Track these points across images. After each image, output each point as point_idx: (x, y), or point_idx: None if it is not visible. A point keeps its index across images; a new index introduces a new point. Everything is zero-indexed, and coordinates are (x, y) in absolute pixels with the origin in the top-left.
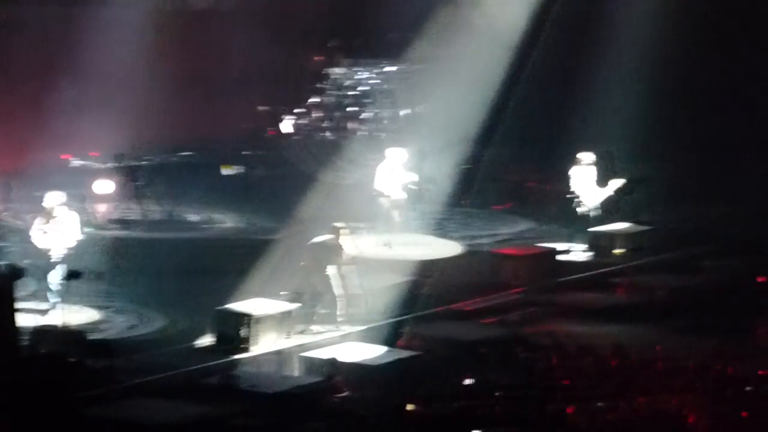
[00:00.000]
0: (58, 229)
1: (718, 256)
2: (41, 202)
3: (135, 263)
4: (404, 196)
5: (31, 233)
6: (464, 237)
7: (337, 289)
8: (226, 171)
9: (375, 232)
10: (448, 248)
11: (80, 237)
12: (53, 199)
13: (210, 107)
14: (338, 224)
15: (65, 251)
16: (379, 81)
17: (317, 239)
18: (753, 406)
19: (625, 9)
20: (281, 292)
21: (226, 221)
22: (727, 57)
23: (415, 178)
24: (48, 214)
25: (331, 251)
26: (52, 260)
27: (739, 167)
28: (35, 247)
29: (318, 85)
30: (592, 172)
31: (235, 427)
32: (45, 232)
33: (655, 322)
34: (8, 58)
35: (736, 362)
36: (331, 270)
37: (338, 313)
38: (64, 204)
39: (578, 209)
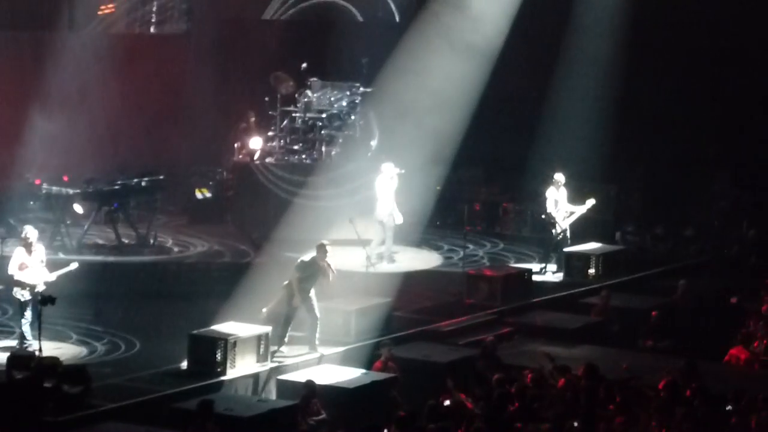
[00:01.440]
0: (37, 262)
1: (689, 275)
2: (19, 234)
3: (109, 288)
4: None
5: (11, 268)
6: (439, 257)
7: (318, 311)
8: (199, 195)
9: (370, 246)
10: (425, 264)
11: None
12: (34, 232)
13: (181, 131)
14: (325, 242)
15: (43, 285)
16: (349, 103)
17: (305, 257)
18: (723, 424)
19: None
20: (263, 309)
21: (200, 244)
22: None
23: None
24: (28, 247)
25: (319, 270)
26: (34, 292)
27: (705, 184)
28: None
29: (287, 108)
30: (564, 192)
31: None
32: (26, 266)
33: (628, 343)
34: None
35: (706, 381)
36: (312, 291)
37: (317, 335)
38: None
39: (553, 230)
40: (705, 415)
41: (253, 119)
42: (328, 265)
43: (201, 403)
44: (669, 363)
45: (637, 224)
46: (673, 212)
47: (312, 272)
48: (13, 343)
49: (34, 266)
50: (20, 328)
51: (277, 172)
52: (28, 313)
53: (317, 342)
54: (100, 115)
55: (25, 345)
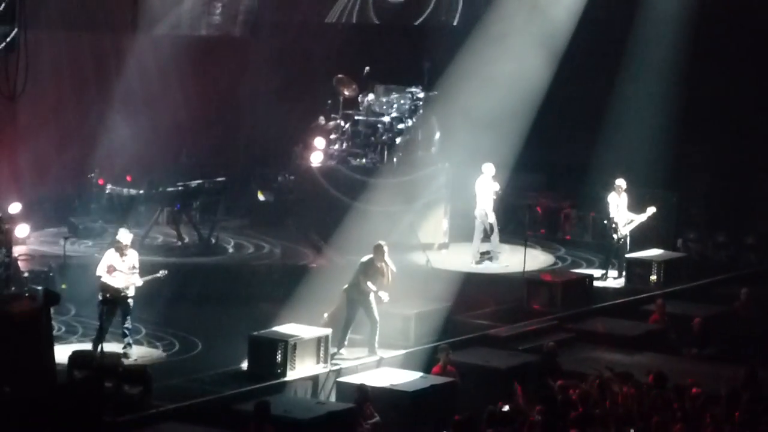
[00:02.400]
0: (127, 267)
1: (751, 283)
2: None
3: (170, 289)
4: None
5: (100, 269)
6: (499, 262)
7: (377, 314)
8: (262, 196)
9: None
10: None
11: (140, 282)
12: (127, 236)
13: (243, 134)
14: (381, 242)
15: (132, 290)
16: (411, 107)
17: (364, 258)
18: None
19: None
20: (324, 314)
21: (262, 246)
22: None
23: (497, 187)
24: (120, 251)
25: (377, 271)
26: (120, 296)
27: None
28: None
29: (349, 112)
30: (625, 198)
31: None
32: (114, 269)
33: (690, 351)
34: (33, 79)
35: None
36: (373, 294)
37: (376, 338)
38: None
39: (615, 235)
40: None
41: (323, 122)
42: (386, 264)
43: (258, 405)
44: (729, 371)
45: (698, 232)
46: (735, 220)
47: (370, 273)
48: (81, 345)
49: (124, 271)
50: (122, 329)
51: (338, 176)
52: (109, 319)
53: (376, 345)
54: (164, 117)
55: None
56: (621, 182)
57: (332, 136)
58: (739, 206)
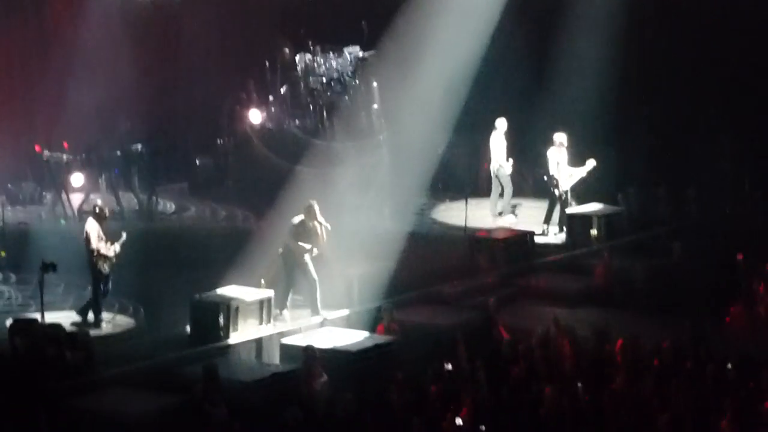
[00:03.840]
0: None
1: (691, 236)
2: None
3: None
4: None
5: (95, 242)
6: (440, 220)
7: (314, 273)
8: (200, 159)
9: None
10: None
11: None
12: (106, 207)
13: (182, 98)
14: (312, 201)
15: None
16: (350, 68)
17: (294, 219)
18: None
19: None
20: (261, 280)
21: (202, 211)
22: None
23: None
24: (101, 221)
25: (310, 231)
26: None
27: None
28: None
29: (287, 74)
30: (565, 153)
31: (213, 414)
32: (102, 239)
33: (632, 305)
34: None
35: (711, 344)
36: (308, 254)
37: (318, 298)
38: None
39: (555, 191)
40: (706, 378)
41: (251, 84)
42: (319, 223)
43: (205, 367)
44: (674, 325)
45: (638, 186)
46: (675, 174)
47: (303, 233)
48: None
49: (104, 239)
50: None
51: (276, 139)
52: (105, 288)
53: (319, 305)
54: (102, 83)
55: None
56: (560, 137)
57: (270, 98)
58: (679, 160)
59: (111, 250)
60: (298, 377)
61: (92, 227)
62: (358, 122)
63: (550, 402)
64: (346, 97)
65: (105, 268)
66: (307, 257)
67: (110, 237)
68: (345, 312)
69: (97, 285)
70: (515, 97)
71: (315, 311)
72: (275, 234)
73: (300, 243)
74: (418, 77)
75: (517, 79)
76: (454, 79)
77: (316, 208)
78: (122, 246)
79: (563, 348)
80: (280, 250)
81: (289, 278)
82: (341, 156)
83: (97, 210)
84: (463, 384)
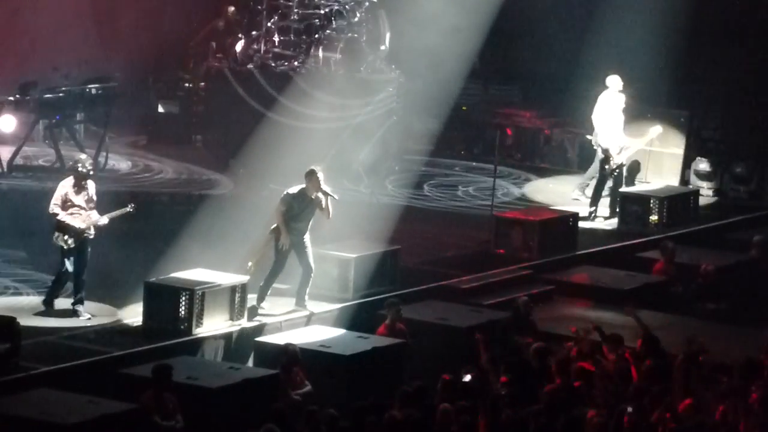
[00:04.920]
0: (85, 200)
1: None
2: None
3: (46, 223)
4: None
5: (53, 206)
6: (462, 195)
7: (312, 260)
8: (163, 107)
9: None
10: None
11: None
12: (90, 162)
13: (141, 27)
14: (315, 167)
15: (92, 231)
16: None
17: (292, 190)
18: None
19: None
20: (249, 263)
21: (164, 170)
22: None
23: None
24: (79, 181)
25: (312, 204)
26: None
27: None
28: None
29: (276, 2)
30: (621, 102)
31: (169, 430)
32: (72, 204)
33: (697, 310)
34: None
35: None
36: (307, 235)
37: (307, 289)
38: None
39: (606, 165)
40: None
41: (232, 13)
42: (325, 194)
43: (156, 369)
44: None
45: (713, 161)
46: (758, 147)
47: (303, 208)
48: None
49: (82, 205)
50: (70, 281)
51: (260, 83)
52: (70, 267)
53: (306, 297)
54: (43, 5)
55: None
56: (614, 80)
57: (254, 33)
58: (765, 131)
59: (81, 219)
60: (275, 384)
61: (62, 186)
62: (362, 62)
63: (591, 429)
64: (350, 35)
65: (66, 241)
66: (307, 238)
67: (105, 205)
68: (338, 306)
69: (61, 261)
70: (549, 43)
71: (301, 304)
72: (254, 204)
73: (298, 219)
74: (435, 13)
75: (559, 20)
76: (479, 14)
77: (320, 175)
78: (117, 219)
79: (609, 361)
80: (273, 226)
81: (278, 263)
82: (340, 108)
83: (78, 165)
84: (482, 401)
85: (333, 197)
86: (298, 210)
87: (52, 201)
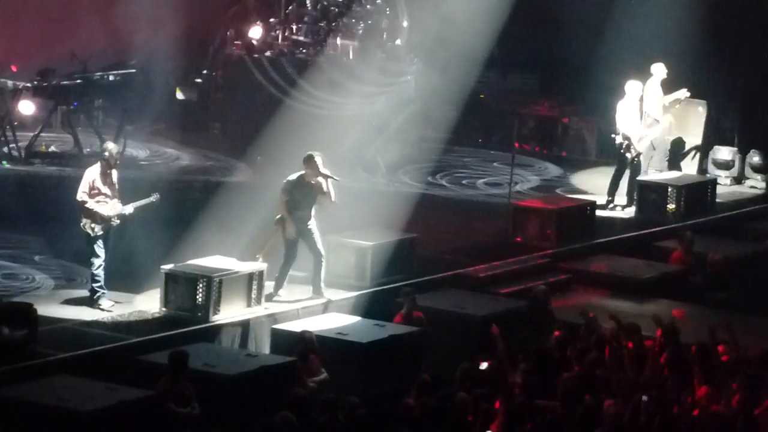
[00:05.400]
0: (110, 189)
1: None
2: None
3: (65, 209)
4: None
5: (81, 193)
6: (480, 184)
7: (321, 246)
8: (182, 94)
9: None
10: None
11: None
12: (117, 150)
13: (159, 15)
14: (313, 152)
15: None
16: None
17: (291, 176)
18: None
19: None
20: (257, 255)
21: (181, 157)
22: None
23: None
24: (106, 168)
25: (314, 189)
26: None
27: None
28: None
29: None
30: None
31: (182, 415)
32: (98, 192)
33: (714, 301)
34: None
35: None
36: (313, 222)
37: (322, 276)
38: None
39: (627, 153)
40: None
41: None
42: (326, 178)
43: (173, 356)
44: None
45: (731, 150)
46: None
47: (304, 194)
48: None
49: (109, 194)
50: (90, 269)
51: (279, 70)
52: (101, 252)
53: (322, 284)
54: None
55: (98, 293)
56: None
57: (272, 20)
58: None
59: (109, 207)
60: (291, 372)
61: (89, 173)
62: (380, 50)
63: (610, 419)
64: (369, 22)
65: (93, 228)
66: (312, 224)
67: (125, 193)
68: (355, 294)
69: (91, 249)
70: (567, 32)
71: (318, 291)
72: (276, 192)
73: (300, 206)
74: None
75: (580, 7)
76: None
77: (319, 159)
78: (143, 209)
79: (627, 351)
80: (278, 216)
81: (289, 252)
82: (358, 95)
83: (106, 154)
84: (501, 390)
85: (334, 179)
86: (299, 197)
87: (80, 188)
